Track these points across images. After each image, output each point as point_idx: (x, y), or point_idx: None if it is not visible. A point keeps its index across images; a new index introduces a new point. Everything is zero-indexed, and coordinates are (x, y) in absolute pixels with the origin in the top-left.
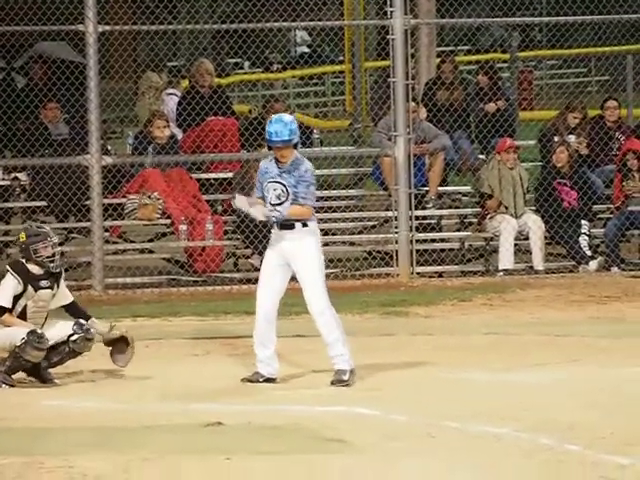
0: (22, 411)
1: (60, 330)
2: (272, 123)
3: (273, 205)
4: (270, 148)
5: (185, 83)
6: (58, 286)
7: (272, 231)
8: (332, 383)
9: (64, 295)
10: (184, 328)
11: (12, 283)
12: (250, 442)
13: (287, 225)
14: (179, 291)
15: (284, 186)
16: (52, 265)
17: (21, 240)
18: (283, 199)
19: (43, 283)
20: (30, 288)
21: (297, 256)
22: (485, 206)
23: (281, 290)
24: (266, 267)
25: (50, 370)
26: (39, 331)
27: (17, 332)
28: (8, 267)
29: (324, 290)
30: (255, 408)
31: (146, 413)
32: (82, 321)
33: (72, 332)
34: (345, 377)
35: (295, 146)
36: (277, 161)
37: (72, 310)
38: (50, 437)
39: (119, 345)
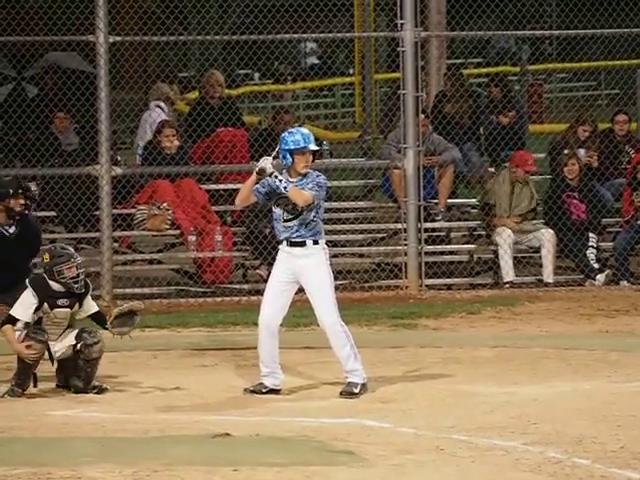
0: (29, 421)
1: (66, 341)
2: (295, 132)
3: (285, 221)
4: (291, 158)
5: (195, 94)
6: (80, 305)
7: (280, 247)
8: (341, 393)
9: (89, 307)
10: (193, 339)
11: (28, 298)
12: (258, 453)
13: (298, 242)
14: (188, 302)
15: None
16: (77, 286)
17: (45, 261)
18: (296, 213)
19: (61, 301)
20: (46, 305)
21: (307, 272)
22: (490, 220)
23: (285, 306)
24: (273, 282)
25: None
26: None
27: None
28: (28, 282)
29: (334, 306)
30: (263, 419)
31: (154, 424)
32: (86, 327)
33: (75, 342)
34: (355, 390)
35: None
36: (289, 175)
37: (97, 318)
38: (57, 447)
39: (125, 318)
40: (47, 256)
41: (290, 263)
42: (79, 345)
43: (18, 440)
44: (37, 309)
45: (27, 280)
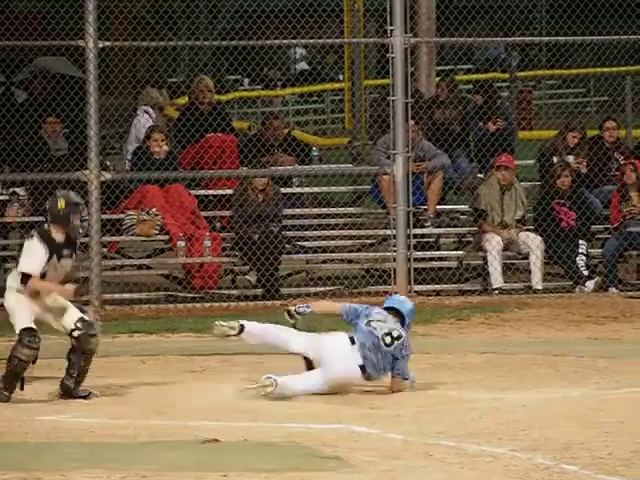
0: (18, 426)
1: (67, 320)
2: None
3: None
4: None
5: (184, 99)
6: (75, 254)
7: None
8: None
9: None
10: (181, 344)
11: (41, 250)
12: (247, 459)
13: None
14: (176, 307)
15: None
16: (80, 233)
17: (60, 207)
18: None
19: (65, 252)
20: (54, 256)
21: None
22: (481, 225)
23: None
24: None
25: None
26: (34, 327)
27: (22, 317)
28: (35, 233)
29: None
30: (251, 425)
31: (142, 429)
32: (86, 317)
33: (74, 327)
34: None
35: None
36: None
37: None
38: (46, 452)
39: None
40: (63, 202)
41: None
42: (79, 333)
43: (7, 445)
44: (47, 261)
45: (33, 231)
